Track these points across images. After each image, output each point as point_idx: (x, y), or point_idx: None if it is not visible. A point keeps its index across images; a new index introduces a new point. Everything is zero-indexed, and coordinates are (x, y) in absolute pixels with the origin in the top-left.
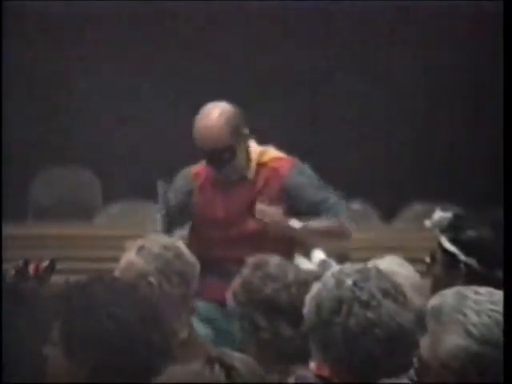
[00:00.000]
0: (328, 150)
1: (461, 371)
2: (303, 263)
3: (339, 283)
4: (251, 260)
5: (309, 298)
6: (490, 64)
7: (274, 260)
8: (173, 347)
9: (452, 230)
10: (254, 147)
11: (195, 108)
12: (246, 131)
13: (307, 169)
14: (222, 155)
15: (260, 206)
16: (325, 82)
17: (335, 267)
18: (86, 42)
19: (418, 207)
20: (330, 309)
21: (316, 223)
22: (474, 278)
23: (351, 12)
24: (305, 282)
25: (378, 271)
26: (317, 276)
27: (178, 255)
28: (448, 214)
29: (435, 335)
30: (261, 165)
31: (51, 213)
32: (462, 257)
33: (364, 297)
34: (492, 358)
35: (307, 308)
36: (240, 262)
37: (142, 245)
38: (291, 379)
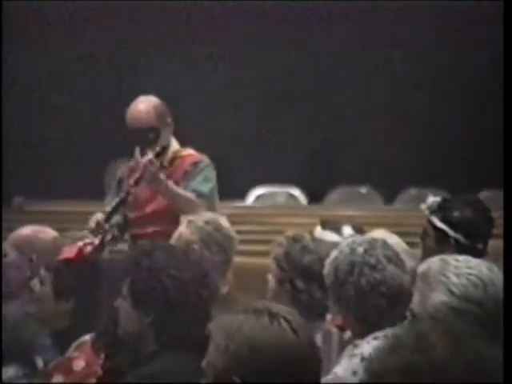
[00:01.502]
0: (335, 146)
1: (444, 321)
2: (332, 237)
3: (352, 250)
4: (289, 233)
5: (328, 262)
6: (490, 64)
7: (308, 234)
8: (217, 300)
9: (442, 211)
10: (175, 144)
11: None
12: (169, 120)
13: (208, 165)
14: (147, 134)
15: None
16: (325, 82)
17: (349, 238)
18: (87, 42)
19: (413, 192)
20: (345, 270)
21: (181, 190)
22: (460, 249)
23: (351, 12)
24: None
25: (384, 242)
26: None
27: (218, 228)
28: (438, 198)
29: (423, 293)
30: (176, 157)
31: None
32: (451, 233)
33: (372, 261)
34: (468, 311)
35: (327, 270)
36: (152, 236)
37: (191, 219)
38: (319, 335)
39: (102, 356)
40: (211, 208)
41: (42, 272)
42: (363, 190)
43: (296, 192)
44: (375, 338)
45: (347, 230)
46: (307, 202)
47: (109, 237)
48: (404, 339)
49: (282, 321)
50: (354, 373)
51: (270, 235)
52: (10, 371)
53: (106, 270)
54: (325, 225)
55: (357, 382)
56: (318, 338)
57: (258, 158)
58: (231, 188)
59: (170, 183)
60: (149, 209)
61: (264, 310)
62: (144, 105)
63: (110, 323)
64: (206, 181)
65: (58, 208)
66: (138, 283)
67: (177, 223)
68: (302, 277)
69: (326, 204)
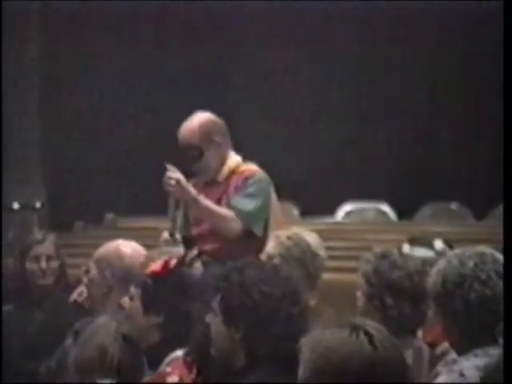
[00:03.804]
0: (424, 163)
1: None
2: (422, 252)
3: (462, 263)
4: (377, 250)
5: (435, 272)
6: (490, 64)
7: (396, 250)
8: (308, 318)
9: None
10: (234, 158)
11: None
12: (218, 139)
13: (258, 181)
14: (191, 152)
15: (172, 170)
16: (325, 82)
17: (457, 250)
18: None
19: None
20: (454, 282)
21: (211, 204)
22: None
23: (351, 12)
24: (424, 270)
25: (494, 257)
26: (433, 263)
27: (298, 244)
28: None
29: None
30: (233, 172)
31: None
32: None
33: (483, 277)
34: None
35: (433, 279)
36: (211, 253)
37: (277, 234)
38: (409, 351)
39: (194, 371)
40: (260, 225)
41: (132, 288)
42: (453, 206)
43: (386, 208)
44: (475, 356)
45: (438, 243)
46: (397, 219)
47: (194, 252)
48: None
49: (362, 334)
50: None
51: (359, 251)
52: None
53: (196, 284)
54: (413, 241)
55: None
56: (409, 355)
57: (347, 174)
58: (321, 204)
59: (202, 198)
60: (205, 226)
61: (349, 323)
62: (192, 122)
63: (202, 338)
64: (250, 197)
65: (149, 224)
66: (229, 299)
67: (234, 241)
68: (391, 293)
69: (416, 220)
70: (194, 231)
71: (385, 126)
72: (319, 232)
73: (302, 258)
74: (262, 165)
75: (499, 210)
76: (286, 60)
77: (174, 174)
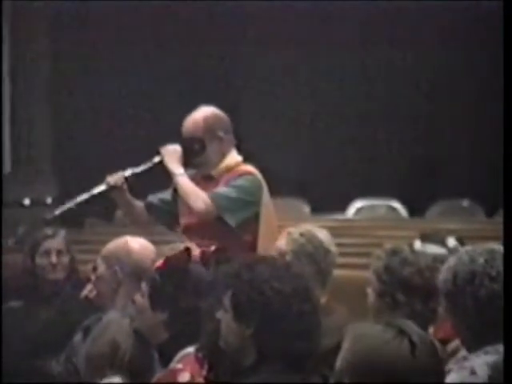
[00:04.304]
0: (434, 160)
1: None
2: (434, 249)
3: (473, 259)
4: (388, 246)
5: (445, 268)
6: (490, 64)
7: (407, 247)
8: (319, 315)
9: None
10: (234, 156)
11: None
12: (221, 134)
13: (250, 180)
14: (193, 145)
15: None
16: (325, 82)
17: (467, 247)
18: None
19: None
20: (465, 279)
21: (189, 182)
22: None
23: (351, 12)
24: (435, 267)
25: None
26: (444, 260)
27: (310, 241)
28: None
29: None
30: (229, 169)
31: None
32: None
33: (493, 273)
34: None
35: (444, 276)
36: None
37: (290, 231)
38: None
39: (206, 367)
40: (234, 216)
41: (143, 285)
42: (465, 203)
43: (396, 205)
44: (486, 353)
45: (451, 241)
46: (408, 215)
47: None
48: None
49: (406, 340)
50: None
51: (370, 248)
52: (114, 381)
53: (204, 281)
54: (424, 238)
55: None
56: None
57: (358, 171)
58: (332, 201)
59: (182, 176)
60: (193, 218)
61: (396, 326)
62: (196, 115)
63: (213, 335)
64: (230, 187)
65: None
66: (240, 296)
67: (221, 238)
68: (403, 289)
69: (427, 217)
70: (183, 220)
71: (385, 126)
72: (330, 229)
73: (314, 254)
74: (261, 165)
75: None
76: (285, 60)
77: (170, 147)
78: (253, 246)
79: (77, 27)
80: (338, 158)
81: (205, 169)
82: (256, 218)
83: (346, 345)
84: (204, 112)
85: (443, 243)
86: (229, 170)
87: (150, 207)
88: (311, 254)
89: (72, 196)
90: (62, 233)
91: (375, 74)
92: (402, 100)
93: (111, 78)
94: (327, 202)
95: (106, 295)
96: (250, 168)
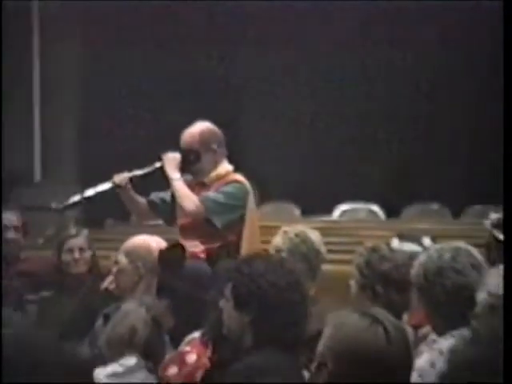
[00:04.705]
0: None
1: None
2: (411, 247)
3: (440, 256)
4: (369, 244)
5: (417, 264)
6: (490, 64)
7: (385, 245)
8: (308, 306)
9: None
10: (225, 166)
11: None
12: (214, 147)
13: (239, 188)
14: (189, 156)
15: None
16: (325, 82)
17: (436, 245)
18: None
19: (478, 208)
20: (434, 273)
21: (183, 186)
22: None
23: (351, 12)
24: (410, 263)
25: (467, 250)
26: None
27: (304, 241)
28: (500, 215)
29: None
30: (220, 177)
31: None
32: None
33: (458, 267)
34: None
35: (415, 271)
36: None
37: (286, 230)
38: None
39: (210, 349)
40: (220, 219)
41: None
42: (434, 206)
43: (376, 208)
44: (452, 336)
45: (427, 240)
46: (385, 217)
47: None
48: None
49: (381, 328)
50: (433, 364)
51: (353, 246)
52: (131, 360)
53: (207, 275)
54: (402, 237)
55: (435, 373)
56: None
57: (345, 175)
58: (320, 204)
59: (179, 181)
60: (188, 219)
61: (371, 315)
62: (193, 129)
63: (216, 321)
64: (219, 193)
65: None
66: (240, 287)
67: (210, 240)
68: (381, 282)
69: (403, 219)
70: (179, 221)
71: (385, 126)
72: (318, 229)
73: (307, 254)
74: (261, 164)
75: (473, 209)
76: (285, 60)
77: (171, 155)
78: (237, 246)
79: (77, 27)
80: (327, 161)
81: (199, 176)
82: (241, 221)
83: (326, 332)
84: (200, 127)
85: (419, 242)
86: (219, 178)
87: (151, 204)
88: (304, 253)
89: (93, 200)
90: (85, 232)
91: (375, 74)
92: (402, 100)
93: (111, 78)
94: (316, 205)
95: (126, 287)
96: (238, 177)
